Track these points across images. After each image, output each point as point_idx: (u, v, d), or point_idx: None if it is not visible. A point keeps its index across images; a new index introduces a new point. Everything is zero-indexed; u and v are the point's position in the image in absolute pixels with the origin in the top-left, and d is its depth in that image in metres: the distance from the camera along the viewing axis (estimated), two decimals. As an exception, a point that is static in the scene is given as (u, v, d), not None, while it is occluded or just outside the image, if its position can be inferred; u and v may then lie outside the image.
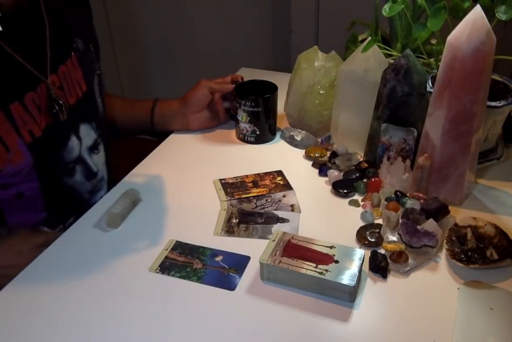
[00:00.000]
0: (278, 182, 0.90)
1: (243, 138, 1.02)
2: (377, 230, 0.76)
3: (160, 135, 1.06)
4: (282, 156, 0.98)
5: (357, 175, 0.89)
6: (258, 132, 1.00)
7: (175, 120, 1.04)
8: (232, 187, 0.88)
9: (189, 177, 0.92)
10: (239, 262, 0.72)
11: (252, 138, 1.01)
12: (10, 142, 0.76)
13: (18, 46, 0.75)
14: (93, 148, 0.92)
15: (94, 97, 0.93)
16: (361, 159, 0.93)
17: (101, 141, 0.94)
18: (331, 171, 0.89)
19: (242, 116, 0.99)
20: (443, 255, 0.73)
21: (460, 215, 0.80)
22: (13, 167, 0.77)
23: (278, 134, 1.04)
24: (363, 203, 0.83)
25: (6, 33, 0.74)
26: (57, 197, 0.88)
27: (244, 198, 0.86)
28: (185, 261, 0.73)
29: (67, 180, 0.88)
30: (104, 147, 0.96)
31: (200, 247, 0.75)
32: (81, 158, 0.89)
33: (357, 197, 0.85)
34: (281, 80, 1.04)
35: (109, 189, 0.92)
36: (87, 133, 0.90)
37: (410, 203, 0.79)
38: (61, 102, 0.81)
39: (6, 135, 0.75)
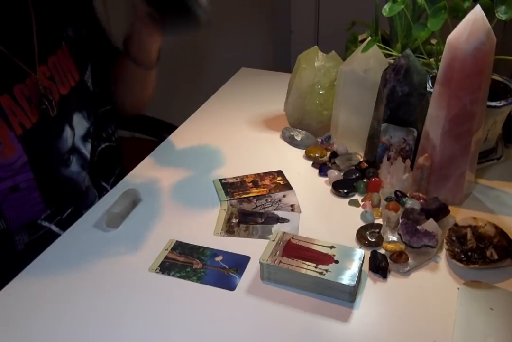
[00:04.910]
0: (278, 182, 0.90)
1: None
2: (377, 230, 0.76)
3: (160, 136, 1.06)
4: (282, 156, 0.98)
5: (357, 175, 0.89)
6: None
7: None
8: (232, 187, 0.88)
9: (189, 177, 0.92)
10: (239, 262, 0.72)
11: None
12: (1, 134, 0.75)
13: (3, 39, 0.75)
14: (86, 137, 0.91)
15: (87, 85, 0.92)
16: (361, 159, 0.93)
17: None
18: (331, 170, 0.89)
19: None
20: (443, 255, 0.73)
21: (460, 215, 0.80)
22: (5, 160, 0.77)
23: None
24: (363, 203, 0.83)
25: None
26: (53, 188, 0.87)
27: (244, 198, 0.86)
28: (185, 261, 0.73)
29: (63, 170, 0.87)
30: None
31: (200, 247, 0.75)
32: (75, 148, 0.88)
33: (357, 197, 0.85)
34: (281, 80, 1.04)
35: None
36: (80, 123, 0.89)
37: (410, 203, 0.79)
38: (50, 98, 0.80)
39: None
